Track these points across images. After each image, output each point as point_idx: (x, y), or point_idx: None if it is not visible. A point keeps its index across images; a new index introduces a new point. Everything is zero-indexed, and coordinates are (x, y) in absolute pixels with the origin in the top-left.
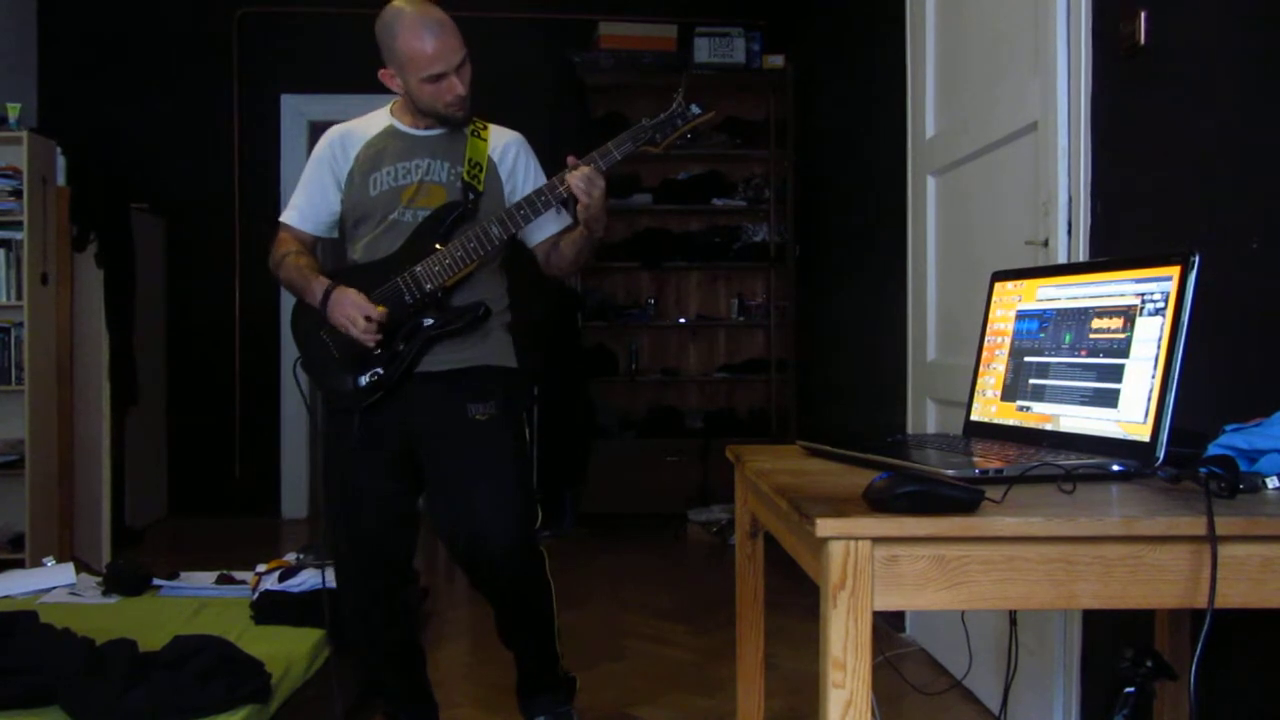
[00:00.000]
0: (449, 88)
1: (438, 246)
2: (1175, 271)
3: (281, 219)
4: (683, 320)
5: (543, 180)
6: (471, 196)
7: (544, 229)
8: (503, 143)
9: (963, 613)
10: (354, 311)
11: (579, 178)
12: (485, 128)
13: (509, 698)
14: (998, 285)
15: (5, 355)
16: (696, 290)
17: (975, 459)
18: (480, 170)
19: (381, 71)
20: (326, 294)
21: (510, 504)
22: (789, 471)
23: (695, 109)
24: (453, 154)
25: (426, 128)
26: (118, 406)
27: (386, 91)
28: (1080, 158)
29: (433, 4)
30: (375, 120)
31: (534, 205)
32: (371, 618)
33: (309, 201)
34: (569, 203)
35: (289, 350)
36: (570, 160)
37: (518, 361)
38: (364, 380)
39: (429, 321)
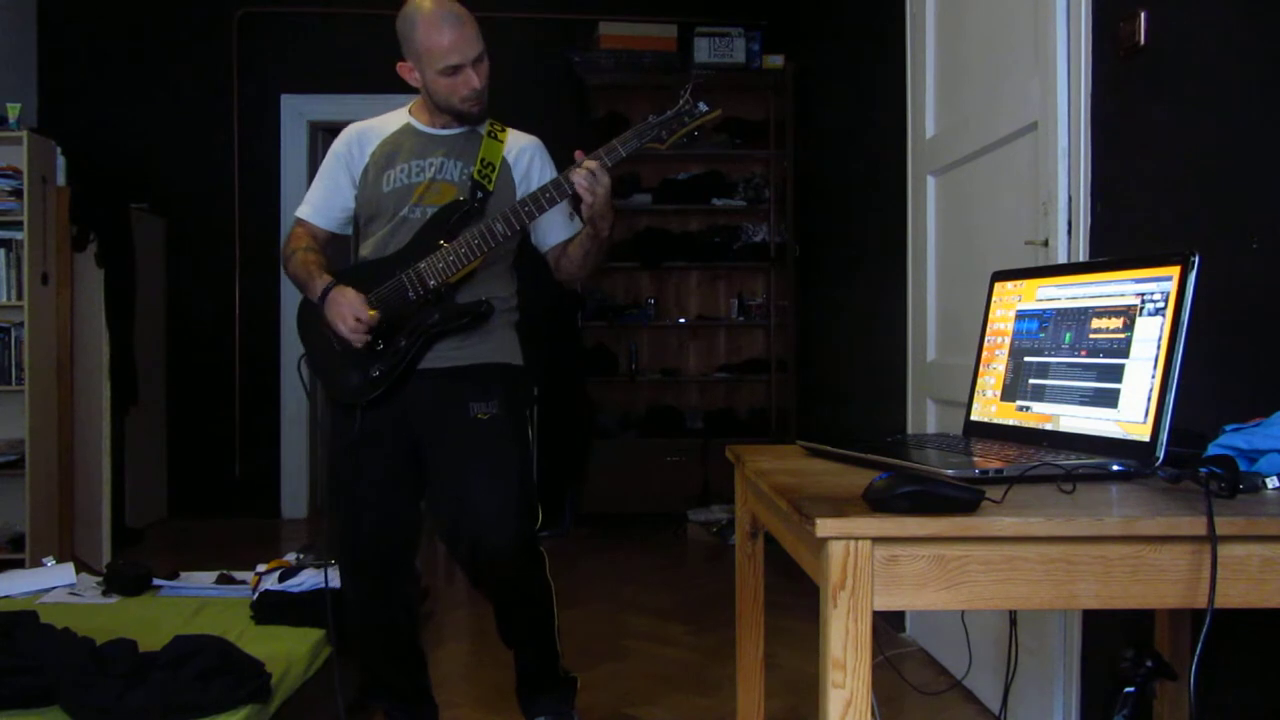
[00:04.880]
0: (465, 81)
1: (442, 243)
2: (1175, 271)
3: (297, 213)
4: (683, 320)
5: None
6: (479, 195)
7: (555, 234)
8: (519, 146)
9: (963, 613)
10: (346, 311)
11: (582, 175)
12: (504, 130)
13: (509, 698)
14: (998, 285)
15: (5, 355)
16: (696, 290)
17: (975, 459)
18: (492, 171)
19: (400, 64)
20: (326, 291)
21: (510, 504)
22: (789, 471)
23: (702, 106)
24: (467, 153)
25: (443, 126)
26: (118, 406)
27: (391, 90)
28: (1080, 158)
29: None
30: (394, 119)
31: (538, 202)
32: (372, 616)
33: (324, 197)
34: (577, 201)
35: (289, 350)
36: (578, 155)
37: (522, 359)
38: (366, 376)
39: (432, 318)
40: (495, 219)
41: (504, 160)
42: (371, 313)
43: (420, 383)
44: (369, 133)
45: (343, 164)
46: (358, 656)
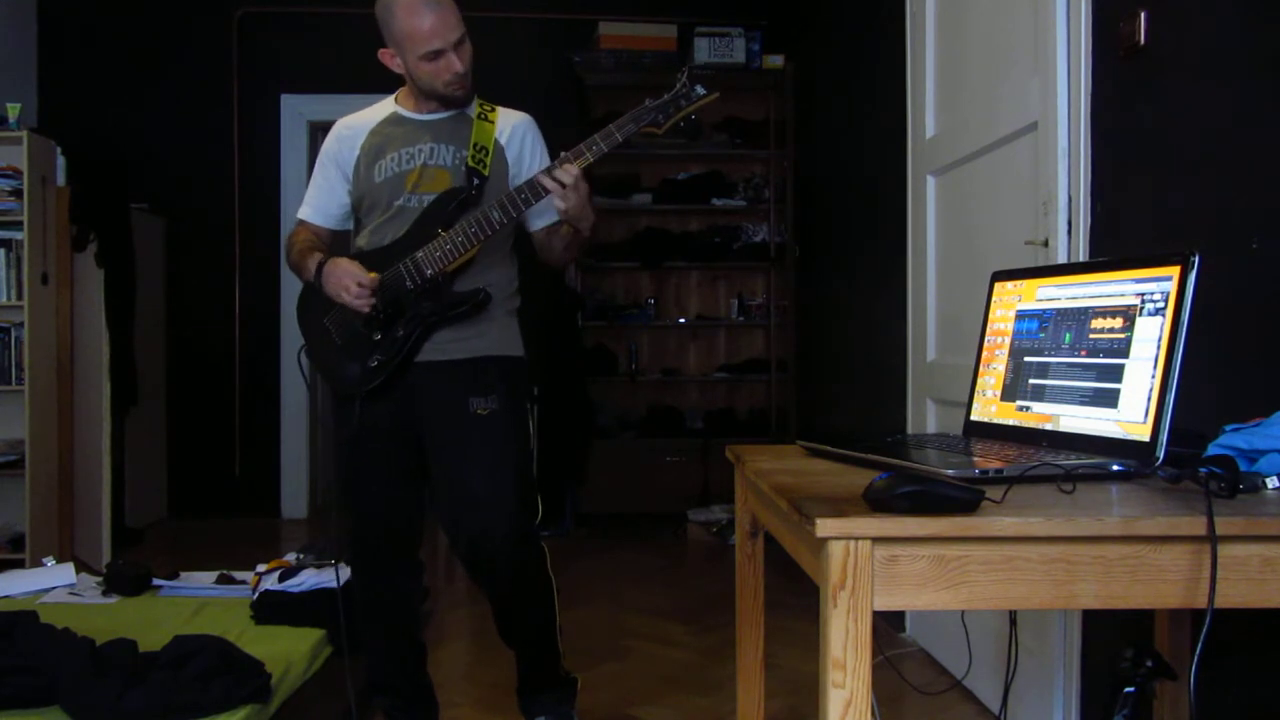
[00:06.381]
0: (447, 65)
1: (440, 232)
2: (1175, 271)
3: (298, 214)
4: (683, 320)
5: (548, 163)
6: (476, 182)
7: (542, 218)
8: (510, 125)
9: (963, 613)
10: (346, 279)
11: (551, 180)
12: (493, 110)
13: (509, 698)
14: (998, 285)
15: (5, 355)
16: (696, 290)
17: (975, 459)
18: (486, 155)
19: (381, 51)
20: (320, 268)
21: (511, 498)
22: (789, 471)
23: (700, 90)
24: (457, 137)
25: (430, 112)
26: (118, 406)
27: (391, 90)
28: (1080, 158)
29: None
30: (380, 109)
31: (535, 190)
32: (375, 606)
33: (319, 196)
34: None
35: (289, 350)
36: (561, 155)
37: (523, 349)
38: (365, 366)
39: (429, 306)
40: (492, 206)
41: (496, 143)
42: (372, 275)
43: (420, 376)
44: (356, 125)
45: (334, 161)
46: (361, 654)
